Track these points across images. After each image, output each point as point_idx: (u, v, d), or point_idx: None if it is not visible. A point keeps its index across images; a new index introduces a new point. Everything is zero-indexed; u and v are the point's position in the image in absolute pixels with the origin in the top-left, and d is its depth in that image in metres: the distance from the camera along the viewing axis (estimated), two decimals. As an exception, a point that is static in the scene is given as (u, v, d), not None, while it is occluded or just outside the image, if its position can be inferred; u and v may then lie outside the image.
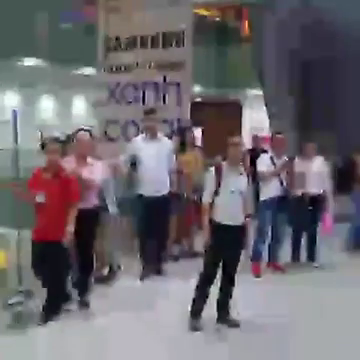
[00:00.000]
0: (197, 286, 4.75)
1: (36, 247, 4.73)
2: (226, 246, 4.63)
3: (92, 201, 5.15)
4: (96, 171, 5.16)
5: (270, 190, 6.33)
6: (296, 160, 6.69)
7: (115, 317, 4.99)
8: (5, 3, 12.35)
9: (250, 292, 5.51)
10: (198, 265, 4.86)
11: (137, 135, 6.72)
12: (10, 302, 4.66)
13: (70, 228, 4.70)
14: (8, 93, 17.01)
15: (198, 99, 14.58)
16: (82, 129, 5.29)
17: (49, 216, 4.66)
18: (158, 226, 6.26)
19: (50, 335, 4.56)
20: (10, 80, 15.47)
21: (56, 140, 4.97)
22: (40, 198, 4.63)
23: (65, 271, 5.00)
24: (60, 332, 4.62)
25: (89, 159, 5.19)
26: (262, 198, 6.38)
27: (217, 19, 20.82)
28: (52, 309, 4.82)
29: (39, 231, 4.72)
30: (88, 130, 5.32)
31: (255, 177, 6.33)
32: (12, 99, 17.07)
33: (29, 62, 14.63)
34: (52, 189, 4.66)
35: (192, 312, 4.77)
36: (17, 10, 12.74)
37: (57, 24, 15.18)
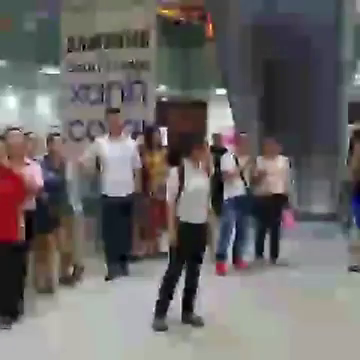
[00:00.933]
0: (162, 285, 4.76)
1: None
2: (191, 244, 4.66)
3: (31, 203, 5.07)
4: (36, 171, 5.09)
5: (234, 189, 6.40)
6: (258, 159, 6.79)
7: (79, 317, 4.96)
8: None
9: (215, 291, 5.55)
10: (163, 265, 4.87)
11: (101, 135, 6.70)
12: None
13: (22, 225, 4.65)
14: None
15: (163, 99, 14.62)
16: (14, 128, 5.14)
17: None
18: (122, 226, 6.25)
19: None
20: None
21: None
22: None
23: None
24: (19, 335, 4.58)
25: (25, 159, 5.08)
26: (226, 197, 6.44)
27: (181, 19, 20.88)
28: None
29: None
30: (18, 128, 5.19)
31: (218, 176, 6.40)
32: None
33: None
34: (2, 189, 4.60)
35: (157, 312, 4.77)
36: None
37: (20, 23, 14.97)
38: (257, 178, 6.60)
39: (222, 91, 12.35)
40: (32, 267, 5.52)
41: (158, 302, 4.77)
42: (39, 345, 4.37)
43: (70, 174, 5.85)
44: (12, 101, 18.14)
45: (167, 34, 15.60)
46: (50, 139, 5.85)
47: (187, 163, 4.71)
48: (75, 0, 7.91)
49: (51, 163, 5.74)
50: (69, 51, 7.96)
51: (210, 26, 14.70)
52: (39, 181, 5.08)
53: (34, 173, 5.03)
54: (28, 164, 5.05)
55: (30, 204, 5.02)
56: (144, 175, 6.64)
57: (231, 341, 4.57)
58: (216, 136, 9.92)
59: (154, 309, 4.77)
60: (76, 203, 5.92)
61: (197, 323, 4.83)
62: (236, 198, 6.39)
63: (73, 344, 4.41)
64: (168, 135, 9.65)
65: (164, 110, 9.37)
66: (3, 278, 4.65)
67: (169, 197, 4.67)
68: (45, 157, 5.80)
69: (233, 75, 9.58)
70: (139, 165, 6.45)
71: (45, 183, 5.26)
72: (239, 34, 9.28)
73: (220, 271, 6.41)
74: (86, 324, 4.83)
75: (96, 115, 7.47)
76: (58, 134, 6.14)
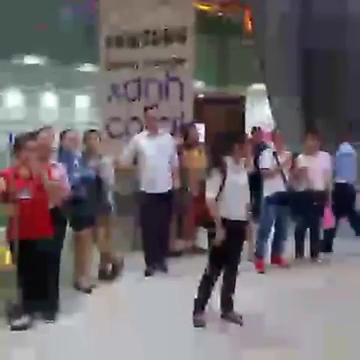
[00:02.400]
0: (201, 282, 4.75)
1: (22, 245, 4.63)
2: (232, 240, 4.63)
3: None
4: (63, 173, 5.09)
5: (273, 186, 6.33)
6: (300, 156, 6.70)
7: (119, 314, 5.00)
8: (7, 2, 12.36)
9: (254, 288, 5.51)
10: (202, 261, 4.85)
11: (140, 132, 6.72)
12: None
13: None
14: (11, 92, 17.01)
15: (200, 95, 14.57)
16: (43, 129, 5.17)
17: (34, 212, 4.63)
18: (160, 223, 6.26)
19: (55, 333, 4.58)
20: (12, 79, 15.47)
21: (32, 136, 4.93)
22: (24, 194, 4.61)
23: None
24: (64, 330, 4.63)
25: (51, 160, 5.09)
26: (266, 194, 6.37)
27: (219, 14, 20.75)
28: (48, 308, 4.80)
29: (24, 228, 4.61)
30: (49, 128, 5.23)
31: (258, 173, 6.33)
32: (15, 98, 17.08)
33: (31, 60, 14.63)
34: (35, 185, 4.65)
35: (196, 308, 4.76)
36: (20, 8, 12.74)
37: (59, 22, 15.16)
38: (297, 175, 6.51)
39: (260, 86, 12.22)
40: (70, 265, 5.58)
41: (197, 299, 4.77)
42: (78, 342, 4.41)
43: (108, 171, 5.87)
44: (51, 99, 18.43)
45: (204, 30, 15.53)
46: (87, 136, 5.89)
47: (228, 160, 4.68)
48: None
49: (88, 160, 5.78)
50: (107, 49, 8.01)
51: (248, 20, 14.57)
52: (66, 184, 5.07)
53: (62, 175, 5.02)
54: (54, 165, 5.03)
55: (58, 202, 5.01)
56: (182, 172, 6.63)
57: (270, 339, 4.52)
58: (255, 130, 9.80)
59: (193, 305, 4.77)
60: (113, 200, 5.94)
61: (236, 320, 4.80)
62: (276, 195, 6.31)
63: (112, 340, 4.44)
64: (205, 132, 9.59)
65: (201, 107, 9.32)
66: (40, 274, 4.69)
67: (211, 195, 4.63)
68: (82, 154, 5.82)
69: (272, 69, 9.46)
70: (177, 162, 6.45)
71: (82, 180, 5.30)
72: (278, 26, 9.16)
73: (259, 269, 6.35)
74: (124, 320, 4.85)
75: (134, 112, 7.50)
76: (94, 130, 6.17)
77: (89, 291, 5.57)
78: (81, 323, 4.80)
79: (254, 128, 9.80)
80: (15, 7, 12.47)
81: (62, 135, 5.64)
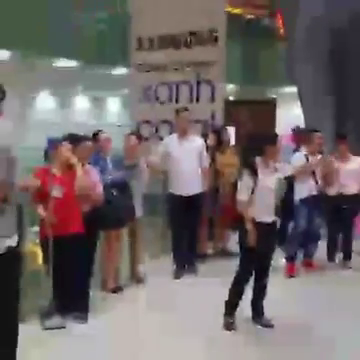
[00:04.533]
0: (232, 285, 4.72)
1: (56, 242, 4.66)
2: (262, 244, 4.59)
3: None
4: (97, 177, 5.13)
5: (305, 189, 6.25)
6: (332, 159, 6.60)
7: (148, 316, 5.00)
8: (39, 4, 12.52)
9: (285, 292, 5.46)
10: (232, 264, 4.83)
11: (170, 134, 6.73)
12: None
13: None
14: (43, 94, 17.24)
15: (231, 98, 14.53)
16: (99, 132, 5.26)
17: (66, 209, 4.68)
18: (190, 225, 6.26)
19: (86, 334, 4.61)
20: (45, 81, 15.69)
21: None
22: (57, 193, 4.67)
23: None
24: (94, 331, 4.66)
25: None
26: (297, 197, 6.30)
27: (250, 17, 20.69)
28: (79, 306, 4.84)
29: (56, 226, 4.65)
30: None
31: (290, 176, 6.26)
32: (47, 101, 17.31)
33: (63, 63, 14.82)
34: (68, 184, 4.69)
35: (226, 311, 4.74)
36: (51, 10, 12.90)
37: (91, 24, 15.31)
38: (329, 178, 6.41)
39: (291, 89, 12.11)
40: (100, 266, 5.62)
41: (228, 301, 4.74)
42: (107, 343, 4.43)
43: (141, 173, 5.90)
44: (83, 101, 18.62)
45: (235, 32, 15.49)
46: (125, 138, 5.94)
47: (259, 162, 4.65)
48: (144, 0, 8.00)
49: (123, 162, 5.81)
50: (138, 51, 8.06)
51: (280, 23, 14.48)
52: (100, 189, 5.09)
53: (96, 180, 5.05)
54: (89, 169, 5.07)
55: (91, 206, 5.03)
56: (213, 174, 6.62)
57: (301, 342, 4.47)
58: (296, 132, 9.65)
59: (224, 308, 4.74)
60: (144, 202, 5.96)
61: (267, 324, 4.77)
62: (307, 198, 6.23)
63: (140, 342, 4.44)
64: (236, 134, 9.56)
65: (232, 109, 9.30)
66: (72, 275, 4.72)
67: (242, 197, 4.61)
68: (117, 155, 5.85)
69: (303, 71, 9.38)
70: (207, 164, 6.44)
71: (114, 181, 5.34)
72: (310, 28, 9.07)
73: (290, 272, 6.28)
74: (153, 322, 4.84)
75: (165, 115, 7.53)
76: (131, 133, 6.23)
77: (117, 293, 5.59)
78: (110, 325, 4.81)
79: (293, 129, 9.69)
80: (47, 10, 12.64)
81: (95, 137, 5.70)
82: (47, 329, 4.62)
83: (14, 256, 3.25)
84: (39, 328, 4.65)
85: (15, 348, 3.37)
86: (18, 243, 3.27)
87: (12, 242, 3.21)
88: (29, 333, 4.46)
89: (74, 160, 4.75)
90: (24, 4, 12.02)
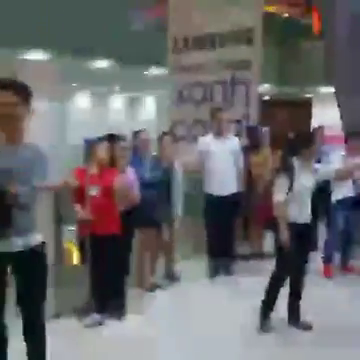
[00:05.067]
0: (268, 286, 4.69)
1: (93, 241, 4.74)
2: (299, 244, 4.56)
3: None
4: (134, 179, 5.17)
5: (343, 190, 6.15)
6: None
7: (182, 315, 5.02)
8: (76, 4, 12.67)
9: (322, 295, 5.40)
10: (267, 265, 4.80)
11: (204, 134, 6.74)
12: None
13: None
14: (80, 95, 17.46)
15: (266, 97, 14.42)
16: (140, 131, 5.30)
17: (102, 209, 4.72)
18: (226, 225, 6.25)
19: (122, 332, 4.65)
20: (82, 82, 15.88)
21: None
22: (94, 192, 4.72)
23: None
24: (129, 329, 4.70)
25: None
26: (334, 198, 6.21)
27: (285, 15, 20.46)
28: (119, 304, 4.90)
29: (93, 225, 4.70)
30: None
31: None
32: (84, 101, 17.52)
33: (100, 64, 14.96)
34: (104, 182, 4.74)
35: (262, 312, 4.72)
36: (89, 12, 13.05)
37: (127, 24, 15.39)
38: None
39: (327, 89, 11.94)
40: (136, 265, 5.66)
41: (264, 303, 4.72)
42: (144, 340, 4.46)
43: (178, 173, 5.93)
44: (119, 102, 18.76)
45: (271, 31, 15.35)
46: (160, 138, 5.97)
47: (296, 162, 4.61)
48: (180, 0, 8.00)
49: (159, 162, 5.84)
50: (174, 51, 8.08)
51: (316, 21, 14.28)
52: (137, 189, 5.13)
53: (133, 180, 5.09)
54: (126, 169, 5.12)
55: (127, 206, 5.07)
56: (248, 174, 6.59)
57: (337, 345, 4.41)
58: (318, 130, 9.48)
59: (260, 309, 4.72)
60: (179, 203, 5.98)
61: (304, 326, 4.73)
62: (345, 199, 6.14)
63: (175, 341, 4.45)
64: (272, 134, 9.50)
65: (268, 109, 9.23)
66: (109, 273, 4.78)
67: (279, 197, 4.58)
68: (153, 156, 5.90)
69: (341, 70, 9.22)
70: (243, 164, 6.42)
71: (152, 181, 5.38)
72: (348, 26, 8.90)
73: (327, 274, 6.20)
74: (188, 322, 4.85)
75: (199, 115, 7.53)
76: (167, 132, 6.27)
77: (154, 291, 5.63)
78: (146, 322, 4.85)
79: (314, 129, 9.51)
80: (84, 10, 12.79)
81: (135, 136, 5.75)
82: (85, 326, 4.70)
83: (42, 251, 3.32)
84: (77, 325, 4.72)
85: (44, 343, 3.40)
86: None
87: (41, 237, 3.30)
88: (67, 330, 4.57)
89: (111, 160, 4.81)
90: (61, 4, 12.18)
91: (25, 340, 3.36)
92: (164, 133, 6.11)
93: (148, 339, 4.48)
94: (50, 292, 4.65)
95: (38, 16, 10.91)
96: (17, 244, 3.20)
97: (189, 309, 5.17)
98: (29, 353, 3.38)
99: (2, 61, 9.28)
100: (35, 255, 3.28)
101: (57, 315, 4.80)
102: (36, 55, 11.66)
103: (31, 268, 3.26)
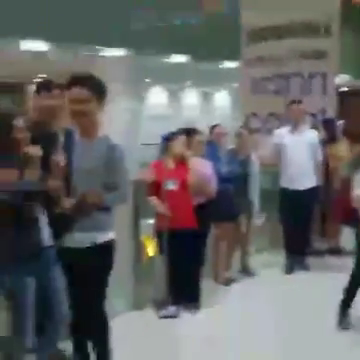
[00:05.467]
0: (348, 282, 4.55)
1: (171, 235, 4.77)
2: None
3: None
4: (212, 172, 5.14)
5: None
6: None
7: (258, 310, 4.97)
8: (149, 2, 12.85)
9: None
10: (345, 262, 4.67)
11: (279, 127, 6.64)
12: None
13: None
14: (156, 89, 17.69)
15: (345, 89, 14.00)
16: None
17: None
18: (302, 220, 6.14)
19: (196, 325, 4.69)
20: (157, 77, 16.09)
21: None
22: (171, 186, 4.75)
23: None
24: (204, 322, 4.73)
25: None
26: None
27: (364, 3, 19.73)
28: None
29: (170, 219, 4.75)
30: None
31: None
32: (159, 96, 17.75)
33: (175, 59, 15.09)
34: (181, 176, 4.77)
35: (341, 309, 4.60)
36: (161, 8, 13.19)
37: (197, 19, 15.42)
38: None
39: None
40: (212, 258, 5.68)
41: (343, 300, 4.59)
42: (219, 333, 4.48)
43: (255, 167, 5.90)
44: (193, 96, 18.84)
45: (349, 20, 14.87)
46: (238, 132, 5.96)
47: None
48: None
49: (236, 155, 5.83)
50: (248, 44, 7.99)
51: None
52: (214, 183, 5.11)
53: (210, 173, 5.08)
54: (204, 162, 5.13)
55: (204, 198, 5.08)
56: (326, 168, 6.44)
57: None
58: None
59: (338, 307, 4.60)
60: (256, 195, 5.94)
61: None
62: None
63: (250, 336, 4.42)
64: (350, 126, 9.22)
65: (346, 100, 8.97)
66: (185, 266, 4.82)
67: (358, 192, 4.43)
68: (230, 150, 5.89)
69: None
70: (320, 158, 6.27)
71: (229, 175, 5.38)
72: None
73: None
74: (264, 317, 4.81)
75: (274, 108, 7.41)
76: (243, 126, 6.25)
77: (229, 285, 5.63)
78: (220, 316, 4.87)
79: None
80: (158, 6, 12.95)
81: (211, 130, 5.77)
82: (162, 318, 4.78)
83: (112, 248, 3.34)
84: (154, 317, 4.82)
85: (107, 336, 3.41)
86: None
87: (112, 235, 3.33)
88: (145, 321, 4.68)
89: (187, 153, 4.84)
90: (135, 3, 12.39)
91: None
92: (241, 126, 6.10)
93: (220, 332, 4.50)
94: (129, 285, 4.82)
95: (117, 15, 11.18)
96: (84, 240, 3.19)
97: (263, 304, 5.10)
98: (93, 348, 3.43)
99: (81, 59, 9.59)
100: (102, 252, 3.26)
101: (136, 307, 4.92)
102: (114, 52, 11.99)
103: (95, 264, 3.23)
